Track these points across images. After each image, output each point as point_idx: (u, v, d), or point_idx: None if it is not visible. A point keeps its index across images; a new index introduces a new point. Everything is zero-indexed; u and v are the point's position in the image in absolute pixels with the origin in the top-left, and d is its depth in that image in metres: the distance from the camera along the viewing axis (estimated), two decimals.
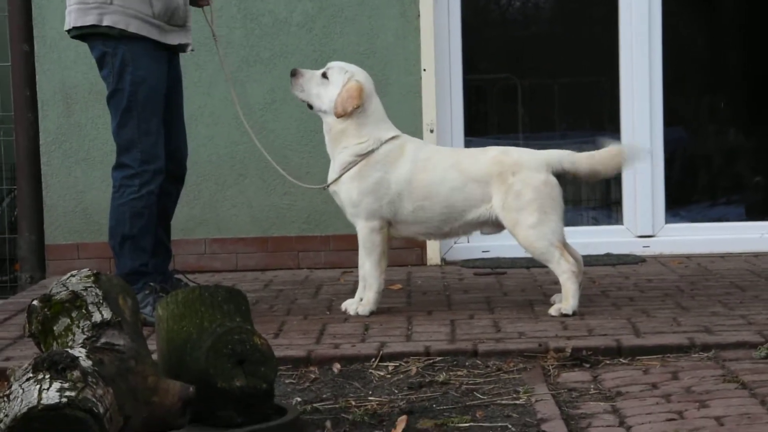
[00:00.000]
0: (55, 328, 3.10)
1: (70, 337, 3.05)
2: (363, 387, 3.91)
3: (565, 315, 4.80)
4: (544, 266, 5.01)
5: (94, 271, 3.20)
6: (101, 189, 6.33)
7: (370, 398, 3.74)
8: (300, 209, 6.54)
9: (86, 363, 2.74)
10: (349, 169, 4.91)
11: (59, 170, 6.55)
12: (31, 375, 2.67)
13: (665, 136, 6.85)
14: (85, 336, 3.02)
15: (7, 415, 2.62)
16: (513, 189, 4.84)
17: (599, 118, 8.29)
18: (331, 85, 4.96)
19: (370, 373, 4.08)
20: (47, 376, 2.66)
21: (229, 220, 6.60)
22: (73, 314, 3.08)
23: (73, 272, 3.21)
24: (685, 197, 8.49)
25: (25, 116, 6.59)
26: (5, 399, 2.66)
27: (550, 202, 4.86)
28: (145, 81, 4.91)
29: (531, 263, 5.88)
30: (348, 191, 4.92)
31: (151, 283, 4.92)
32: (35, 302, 3.14)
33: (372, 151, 4.91)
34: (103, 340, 2.98)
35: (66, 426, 2.60)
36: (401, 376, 4.03)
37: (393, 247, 5.49)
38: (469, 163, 4.94)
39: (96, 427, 2.63)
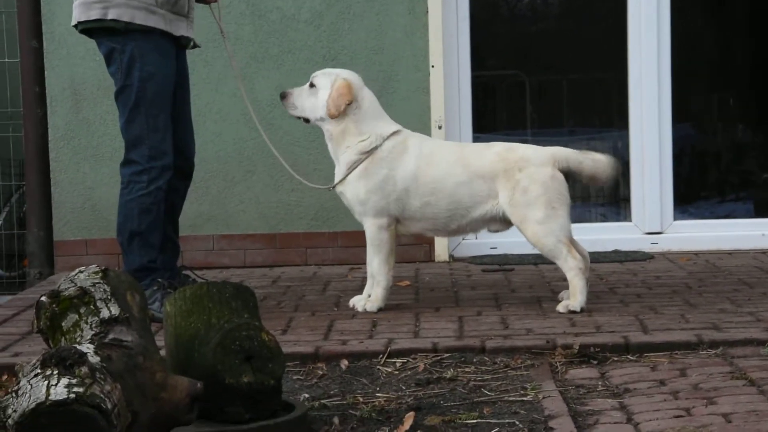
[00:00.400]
0: (63, 324, 3.10)
1: (78, 333, 3.05)
2: (370, 383, 3.91)
3: (573, 312, 4.80)
4: (552, 263, 5.00)
5: (102, 267, 3.21)
6: (110, 185, 6.34)
7: (377, 394, 3.74)
8: (308, 206, 6.55)
9: (94, 359, 2.75)
10: (354, 168, 4.91)
11: (68, 166, 6.56)
12: (39, 371, 2.67)
13: (674, 133, 6.84)
14: (93, 332, 3.02)
15: (15, 411, 2.62)
16: (520, 185, 4.84)
17: (607, 115, 8.29)
18: (320, 90, 4.97)
19: (378, 369, 4.08)
20: (55, 372, 2.66)
21: (237, 216, 6.61)
22: (82, 310, 3.09)
23: (82, 268, 3.22)
24: (693, 194, 8.48)
25: (34, 112, 6.61)
26: (13, 395, 2.67)
27: (557, 197, 4.85)
28: (153, 77, 4.91)
29: (539, 260, 5.87)
30: (355, 190, 4.92)
31: (159, 280, 4.92)
32: (43, 298, 3.14)
33: (376, 148, 4.91)
34: (111, 336, 2.98)
35: (74, 422, 2.60)
36: (409, 372, 4.03)
37: (401, 243, 5.50)
38: (475, 158, 4.93)
39: (104, 422, 2.63)
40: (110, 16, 4.85)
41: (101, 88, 6.38)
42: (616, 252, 6.59)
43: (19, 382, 2.69)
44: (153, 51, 4.92)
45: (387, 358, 4.19)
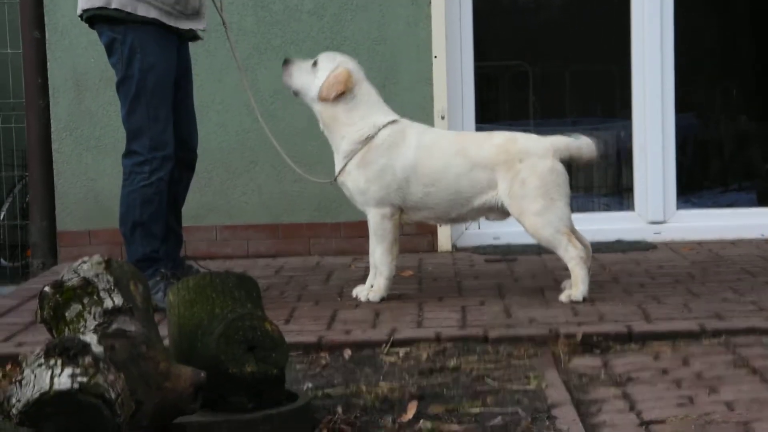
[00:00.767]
0: (66, 314, 3.11)
1: (81, 324, 3.06)
2: (374, 373, 3.91)
3: (576, 301, 4.80)
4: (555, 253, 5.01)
5: (106, 258, 3.21)
6: (112, 176, 6.34)
7: (380, 384, 3.74)
8: (311, 196, 6.55)
9: (98, 349, 2.75)
10: (351, 157, 4.91)
11: (70, 157, 6.57)
12: (43, 361, 2.68)
13: (677, 123, 6.83)
14: (96, 322, 3.03)
15: (19, 400, 2.63)
16: (519, 176, 4.84)
17: (610, 105, 8.29)
18: (319, 72, 4.98)
19: (381, 358, 4.09)
20: (59, 362, 2.66)
21: (240, 207, 6.61)
22: (85, 300, 3.09)
23: (85, 259, 3.22)
24: (696, 184, 8.49)
25: (37, 103, 6.61)
26: (17, 384, 2.67)
27: (556, 188, 4.85)
28: (154, 67, 4.91)
29: (542, 250, 5.87)
30: (355, 180, 4.92)
31: (162, 270, 4.93)
32: (47, 288, 3.15)
33: (371, 137, 4.91)
34: (114, 327, 2.98)
35: (78, 411, 2.61)
36: (412, 361, 4.03)
37: (404, 233, 5.50)
38: (475, 149, 4.93)
39: (108, 412, 2.63)
40: (113, 5, 4.85)
41: (103, 78, 6.37)
42: (618, 242, 6.59)
43: (23, 372, 2.69)
44: (154, 42, 4.92)
45: (390, 347, 4.19)
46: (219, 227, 6.61)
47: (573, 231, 4.93)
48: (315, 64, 5.01)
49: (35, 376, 2.66)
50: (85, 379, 2.63)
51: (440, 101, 6.53)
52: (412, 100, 6.39)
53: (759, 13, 8.97)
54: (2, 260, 7.54)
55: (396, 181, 4.90)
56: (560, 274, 5.29)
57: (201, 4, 5.06)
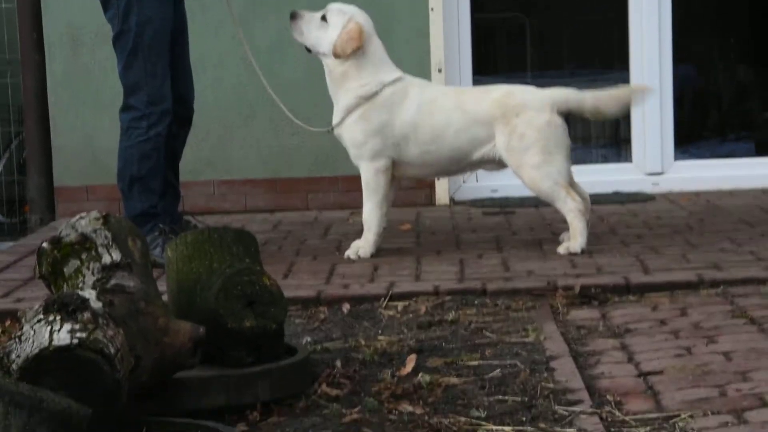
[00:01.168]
0: (65, 270, 3.11)
1: (80, 279, 3.06)
2: (372, 326, 3.93)
3: (574, 253, 4.81)
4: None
5: (103, 213, 3.20)
6: (109, 131, 6.30)
7: (379, 338, 3.75)
8: (308, 150, 6.53)
9: (96, 304, 2.75)
10: (352, 111, 4.89)
11: (67, 113, 6.54)
12: (41, 317, 2.68)
13: (674, 74, 6.80)
14: (95, 278, 3.03)
15: (19, 356, 2.63)
16: (517, 131, 4.83)
17: (608, 57, 8.24)
18: (330, 27, 4.93)
19: (380, 312, 4.10)
20: (58, 318, 2.67)
21: (238, 161, 6.60)
22: (83, 256, 3.09)
23: (82, 214, 3.22)
24: (694, 134, 8.47)
25: (32, 58, 6.57)
26: (17, 340, 2.68)
27: (554, 141, 4.84)
28: (150, 21, 4.88)
29: (540, 202, 5.86)
30: (352, 133, 4.91)
31: (161, 225, 4.93)
32: (45, 244, 3.15)
33: (375, 94, 4.89)
34: (113, 282, 2.98)
35: (77, 366, 2.61)
36: (410, 315, 4.05)
37: (402, 187, 5.49)
38: (473, 103, 4.92)
39: (107, 367, 2.64)
40: None
41: (99, 33, 6.33)
42: (616, 193, 6.59)
43: (22, 328, 2.70)
44: None
45: (389, 301, 4.20)
46: (217, 182, 6.61)
47: (572, 183, 4.93)
48: (324, 18, 4.96)
49: (34, 332, 2.66)
50: (84, 335, 2.64)
51: (437, 54, 6.50)
52: (408, 54, 6.35)
53: None
54: (0, 216, 7.54)
55: (394, 137, 4.89)
56: (558, 226, 5.30)
57: None
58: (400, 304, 4.16)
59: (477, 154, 4.92)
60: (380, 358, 3.50)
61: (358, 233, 5.06)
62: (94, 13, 6.23)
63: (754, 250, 4.78)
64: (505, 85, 5.02)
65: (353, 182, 6.31)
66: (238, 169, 6.60)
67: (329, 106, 5.04)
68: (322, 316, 4.09)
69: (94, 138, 6.52)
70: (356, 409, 2.99)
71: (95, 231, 3.13)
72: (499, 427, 2.86)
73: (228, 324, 3.11)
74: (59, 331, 2.63)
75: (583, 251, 4.81)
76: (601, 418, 2.89)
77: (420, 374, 3.28)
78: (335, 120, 4.98)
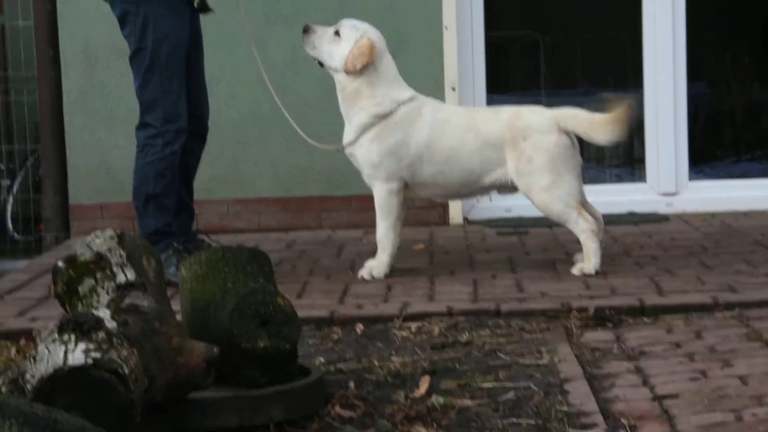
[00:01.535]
0: (80, 289, 3.11)
1: (95, 298, 3.06)
2: (386, 347, 3.92)
3: (588, 274, 4.79)
4: None
5: (118, 232, 3.21)
6: (124, 148, 6.32)
7: (393, 358, 3.75)
8: (322, 169, 6.53)
9: (111, 324, 2.75)
10: (367, 131, 4.89)
11: (82, 130, 6.56)
12: (56, 336, 2.68)
13: (688, 92, 6.79)
14: (109, 297, 3.03)
15: (33, 376, 2.64)
16: (525, 154, 4.82)
17: (622, 74, 8.24)
18: (342, 42, 4.94)
19: (393, 333, 4.09)
20: (73, 337, 2.67)
21: (252, 179, 6.61)
22: (98, 275, 3.09)
23: (97, 233, 3.22)
24: (708, 154, 8.45)
25: (48, 75, 6.60)
26: (31, 360, 2.68)
27: (563, 162, 4.83)
28: (167, 39, 4.90)
29: (553, 223, 5.85)
30: (367, 153, 4.90)
31: (175, 244, 4.93)
32: (60, 263, 3.15)
33: (391, 113, 4.89)
34: (127, 302, 2.98)
35: (92, 386, 2.61)
36: (424, 336, 4.04)
37: (415, 206, 5.49)
38: (484, 125, 4.92)
39: (121, 387, 2.64)
40: None
41: (115, 50, 6.35)
42: (630, 214, 6.58)
43: (37, 348, 2.70)
44: (167, 13, 4.91)
45: (402, 321, 4.20)
46: (230, 200, 6.61)
47: (584, 203, 4.92)
48: (337, 32, 4.97)
49: (49, 352, 2.66)
50: (98, 355, 2.64)
51: (451, 72, 6.51)
52: (422, 71, 6.36)
53: None
54: (15, 234, 7.55)
55: (408, 157, 4.89)
56: (572, 247, 5.29)
57: None
58: (414, 325, 4.16)
59: (489, 178, 4.91)
60: (394, 380, 3.49)
61: (372, 253, 5.05)
62: (109, 31, 6.26)
63: None
64: (514, 106, 5.02)
65: (367, 201, 6.31)
66: (251, 187, 6.61)
67: (342, 125, 5.04)
68: (335, 336, 4.08)
69: (109, 155, 6.53)
70: (369, 431, 2.98)
71: (110, 250, 3.13)
72: None
73: (242, 344, 3.11)
74: (74, 351, 2.63)
75: (597, 272, 4.80)
76: None
77: (433, 396, 3.27)
78: (347, 138, 4.98)
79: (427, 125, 4.91)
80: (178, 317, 3.27)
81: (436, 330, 4.08)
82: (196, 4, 5.03)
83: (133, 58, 4.98)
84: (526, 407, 3.17)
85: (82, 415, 2.51)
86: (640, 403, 3.19)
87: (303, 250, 5.83)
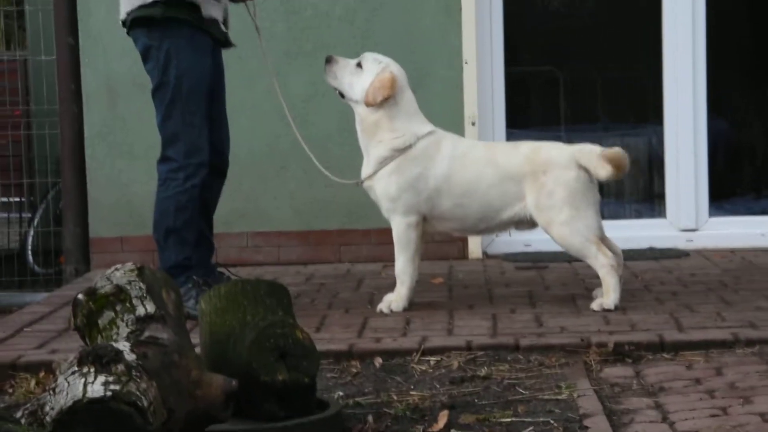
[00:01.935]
0: (99, 321, 3.12)
1: (114, 331, 3.08)
2: (405, 381, 3.91)
3: (607, 309, 4.78)
4: None
5: (138, 265, 3.23)
6: (145, 182, 6.36)
7: (411, 393, 3.74)
8: (341, 202, 6.55)
9: (130, 357, 2.76)
10: (386, 164, 4.91)
11: (103, 163, 6.60)
12: (76, 368, 2.69)
13: (709, 128, 6.79)
14: (129, 330, 3.04)
15: (53, 408, 2.65)
16: (545, 188, 4.83)
17: (642, 111, 8.24)
18: (364, 74, 4.96)
19: (412, 367, 4.08)
20: (92, 370, 2.68)
21: (271, 213, 6.62)
22: (118, 308, 3.11)
23: (117, 266, 3.24)
24: (729, 190, 8.42)
25: (70, 109, 6.65)
26: (51, 392, 2.69)
27: (582, 197, 4.84)
28: (189, 73, 4.93)
29: (572, 257, 5.85)
30: (386, 186, 4.92)
31: (194, 277, 4.94)
32: (80, 296, 3.17)
33: (410, 146, 4.90)
34: (146, 334, 3.00)
35: (111, 419, 2.62)
36: (443, 370, 4.03)
37: (434, 240, 5.49)
38: (504, 159, 4.92)
39: (140, 420, 2.65)
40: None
41: (136, 84, 6.40)
42: (650, 249, 6.56)
43: (56, 380, 2.71)
44: (189, 48, 4.94)
45: (421, 355, 4.19)
46: (250, 234, 6.63)
47: (603, 238, 4.91)
48: (359, 64, 5.00)
49: (68, 384, 2.67)
50: (118, 387, 2.65)
51: (471, 107, 6.52)
52: (442, 107, 6.38)
53: None
54: (35, 267, 7.59)
55: (427, 190, 4.89)
56: (591, 282, 5.27)
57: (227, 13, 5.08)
58: (433, 359, 4.15)
59: (508, 213, 4.90)
60: (412, 414, 3.49)
61: (391, 286, 5.05)
62: (130, 65, 6.33)
63: None
64: (533, 141, 5.03)
65: (385, 235, 6.31)
66: (270, 220, 6.62)
67: (362, 159, 5.06)
68: (354, 370, 4.08)
69: (130, 189, 6.56)
70: None
71: (130, 282, 3.15)
72: None
73: (260, 377, 3.12)
74: (93, 383, 2.64)
75: (616, 307, 4.78)
76: None
77: (452, 431, 3.26)
78: (366, 172, 4.99)
79: (446, 159, 4.92)
80: (197, 350, 3.28)
81: (455, 364, 4.07)
82: (218, 40, 5.07)
83: (156, 92, 5.01)
84: None
85: None
86: None
87: (322, 284, 5.83)
